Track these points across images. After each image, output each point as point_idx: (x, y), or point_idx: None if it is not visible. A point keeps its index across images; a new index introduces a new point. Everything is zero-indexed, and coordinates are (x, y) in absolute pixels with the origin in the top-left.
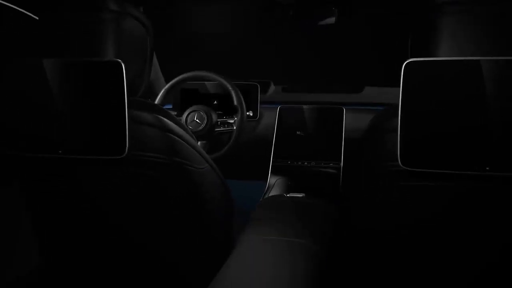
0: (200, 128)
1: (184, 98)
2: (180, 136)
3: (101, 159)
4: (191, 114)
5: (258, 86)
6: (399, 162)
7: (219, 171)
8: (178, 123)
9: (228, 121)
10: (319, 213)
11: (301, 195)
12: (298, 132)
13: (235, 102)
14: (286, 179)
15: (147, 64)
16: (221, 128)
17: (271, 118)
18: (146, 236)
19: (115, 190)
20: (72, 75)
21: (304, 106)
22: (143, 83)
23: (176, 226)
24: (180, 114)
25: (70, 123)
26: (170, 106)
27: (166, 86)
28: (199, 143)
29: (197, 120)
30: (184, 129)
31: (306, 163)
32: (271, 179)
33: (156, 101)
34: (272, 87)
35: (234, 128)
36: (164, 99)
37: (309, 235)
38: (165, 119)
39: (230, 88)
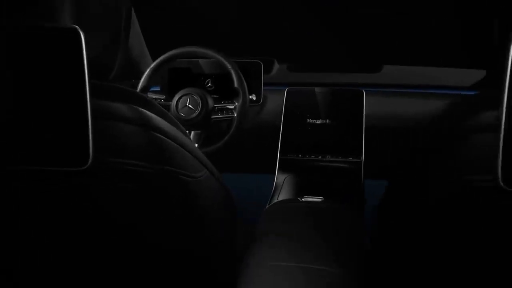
0: (194, 115)
1: (174, 79)
2: (169, 136)
3: (57, 171)
4: (183, 98)
5: (262, 64)
6: (499, 180)
7: (220, 176)
8: (167, 117)
9: (227, 106)
10: (345, 226)
11: (319, 199)
12: (309, 120)
13: (236, 84)
14: (297, 178)
15: (122, 36)
16: (219, 115)
17: (277, 102)
18: (125, 269)
19: (80, 212)
20: (6, 45)
21: (316, 89)
22: (116, 62)
23: (164, 256)
24: (169, 98)
25: (7, 120)
26: (158, 88)
27: (152, 65)
28: (192, 133)
29: (189, 105)
30: (176, 125)
31: (320, 157)
32: (278, 177)
33: (140, 83)
34: (276, 66)
35: (235, 115)
36: (150, 81)
37: (333, 259)
38: (148, 113)
39: (229, 67)
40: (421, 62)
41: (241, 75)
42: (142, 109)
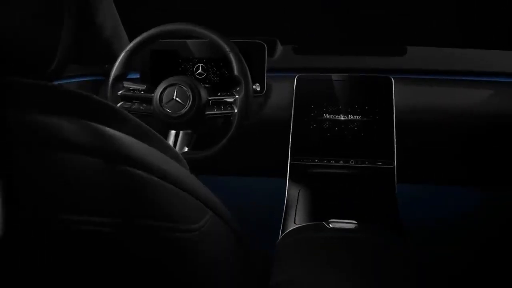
0: (183, 111)
1: (157, 64)
2: (152, 169)
3: None
4: (169, 89)
5: (265, 45)
6: None
7: (228, 213)
8: (149, 137)
9: (226, 99)
10: (398, 269)
11: (352, 225)
12: (326, 115)
13: (236, 71)
14: (314, 190)
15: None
16: (215, 111)
17: (283, 92)
18: None
19: None
20: None
21: (334, 76)
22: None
23: None
24: (151, 89)
25: None
26: (137, 76)
27: (129, 46)
28: (181, 133)
29: (177, 99)
30: (165, 149)
31: (341, 162)
32: (291, 189)
33: (114, 70)
34: (280, 48)
35: (235, 110)
36: (127, 66)
37: None
38: (117, 134)
39: (227, 50)
40: (457, 43)
41: (243, 60)
42: (106, 128)
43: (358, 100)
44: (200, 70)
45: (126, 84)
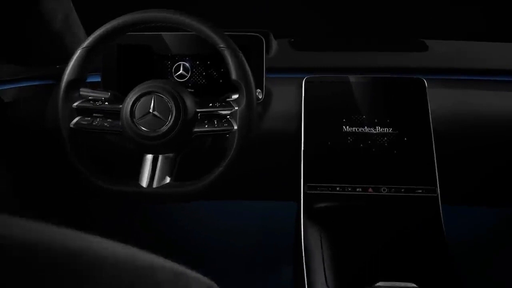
0: (164, 129)
1: (125, 64)
2: None
3: None
4: (143, 100)
5: (263, 39)
6: None
7: None
8: None
9: (220, 112)
10: None
11: None
12: (346, 128)
13: (234, 75)
14: (340, 230)
15: None
16: (206, 127)
17: (287, 98)
18: None
19: None
20: None
21: (351, 78)
22: None
23: None
24: (119, 98)
25: None
26: (98, 80)
27: (87, 41)
28: (160, 158)
29: (155, 112)
30: None
31: (370, 190)
32: (308, 229)
33: (67, 73)
34: (274, 43)
35: (235, 127)
36: (85, 68)
37: None
38: None
39: (222, 46)
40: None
41: (244, 60)
42: None
43: (385, 107)
44: (181, 71)
45: (84, 91)
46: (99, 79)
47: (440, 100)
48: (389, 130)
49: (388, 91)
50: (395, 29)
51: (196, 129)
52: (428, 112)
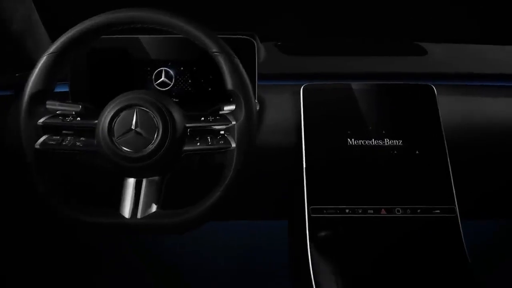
0: (149, 149)
1: (98, 72)
2: None
3: None
4: (124, 114)
5: (254, 42)
6: None
7: None
8: None
9: (214, 126)
10: None
11: None
12: (352, 141)
13: (230, 84)
14: (354, 261)
15: None
16: (198, 145)
17: (282, 108)
18: None
19: None
20: None
21: (354, 85)
22: None
23: None
24: (92, 112)
25: None
26: (65, 89)
27: (54, 46)
28: (144, 183)
29: (138, 129)
30: None
31: (384, 211)
32: (316, 259)
33: (30, 83)
34: (261, 47)
35: (233, 145)
36: (52, 77)
37: None
38: None
39: (215, 51)
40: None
41: (241, 66)
42: None
43: (393, 117)
44: (163, 78)
45: (51, 105)
46: (67, 89)
47: (448, 108)
48: (399, 142)
49: (395, 99)
50: (390, 32)
51: (186, 148)
52: (440, 122)
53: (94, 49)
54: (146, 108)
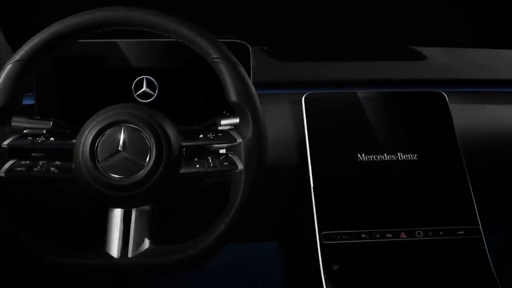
0: (141, 175)
1: (69, 82)
2: None
3: None
4: (109, 133)
5: (249, 47)
6: None
7: None
8: None
9: (214, 145)
10: None
11: None
12: (362, 156)
13: (234, 96)
14: None
15: None
16: (198, 168)
17: (280, 120)
18: None
19: None
20: None
21: (360, 93)
22: None
23: None
24: (64, 129)
25: None
26: (32, 102)
27: (21, 53)
28: (134, 214)
29: (126, 153)
30: None
31: (404, 234)
32: None
33: None
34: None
35: (239, 166)
36: (16, 92)
37: None
38: None
39: (215, 58)
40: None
41: (245, 74)
42: None
43: (404, 129)
44: (145, 88)
45: (17, 122)
46: (32, 102)
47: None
48: (413, 157)
49: (404, 108)
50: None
51: (183, 171)
52: (454, 132)
53: (63, 57)
54: (136, 125)
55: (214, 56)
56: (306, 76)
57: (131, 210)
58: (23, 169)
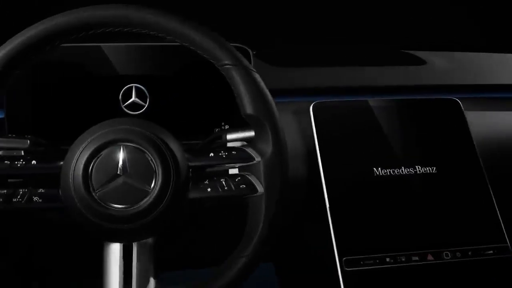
0: (146, 203)
1: (45, 93)
2: None
3: None
4: (106, 155)
5: (250, 52)
6: None
7: None
8: None
9: (229, 164)
10: None
11: None
12: (378, 171)
13: (250, 108)
14: None
15: None
16: (209, 192)
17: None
18: None
19: None
20: None
21: (372, 102)
22: None
23: None
24: (51, 152)
25: None
26: (1, 116)
27: None
28: (135, 248)
29: (129, 176)
30: None
31: (430, 256)
32: None
33: None
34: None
35: (259, 190)
36: None
37: None
38: None
39: (227, 64)
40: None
41: (262, 82)
42: None
43: (421, 140)
44: (134, 98)
45: None
46: (1, 116)
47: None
48: (432, 170)
49: (418, 116)
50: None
51: (193, 196)
52: (472, 141)
53: (40, 65)
54: (138, 145)
55: (225, 62)
56: (312, 82)
57: (133, 245)
58: (0, 200)
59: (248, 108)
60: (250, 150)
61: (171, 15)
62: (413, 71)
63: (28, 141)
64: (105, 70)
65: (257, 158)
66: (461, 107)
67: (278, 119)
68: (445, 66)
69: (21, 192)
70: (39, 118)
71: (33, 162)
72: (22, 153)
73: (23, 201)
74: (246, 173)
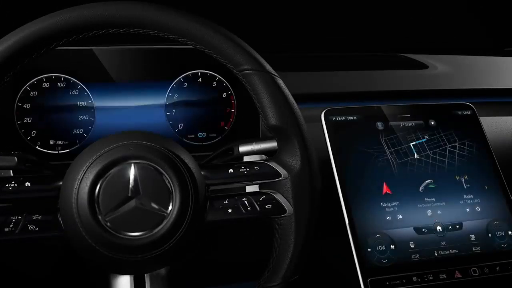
0: (163, 230)
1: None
2: None
3: None
4: (115, 175)
5: None
6: None
7: None
8: None
9: (252, 181)
10: None
11: None
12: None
13: (275, 119)
14: None
15: None
16: (230, 213)
17: None
18: None
19: None
20: None
21: (385, 108)
22: None
23: None
24: (35, 166)
25: None
26: None
27: None
28: (148, 280)
29: (143, 202)
30: None
31: (458, 273)
32: None
33: None
34: None
35: (288, 211)
36: None
37: None
38: None
39: (248, 69)
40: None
41: (287, 89)
42: None
43: (440, 148)
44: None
45: None
46: None
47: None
48: (453, 178)
49: (433, 122)
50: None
51: (211, 218)
52: (490, 147)
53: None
54: (151, 162)
55: (246, 67)
56: (321, 88)
57: (145, 276)
58: None
59: (273, 118)
60: (274, 165)
61: (188, 16)
62: (421, 76)
63: (16, 158)
64: (96, 76)
65: (284, 174)
66: (475, 111)
67: (306, 130)
68: (454, 70)
69: (13, 220)
70: (23, 130)
71: (27, 184)
72: (11, 173)
73: (16, 231)
74: (270, 190)
